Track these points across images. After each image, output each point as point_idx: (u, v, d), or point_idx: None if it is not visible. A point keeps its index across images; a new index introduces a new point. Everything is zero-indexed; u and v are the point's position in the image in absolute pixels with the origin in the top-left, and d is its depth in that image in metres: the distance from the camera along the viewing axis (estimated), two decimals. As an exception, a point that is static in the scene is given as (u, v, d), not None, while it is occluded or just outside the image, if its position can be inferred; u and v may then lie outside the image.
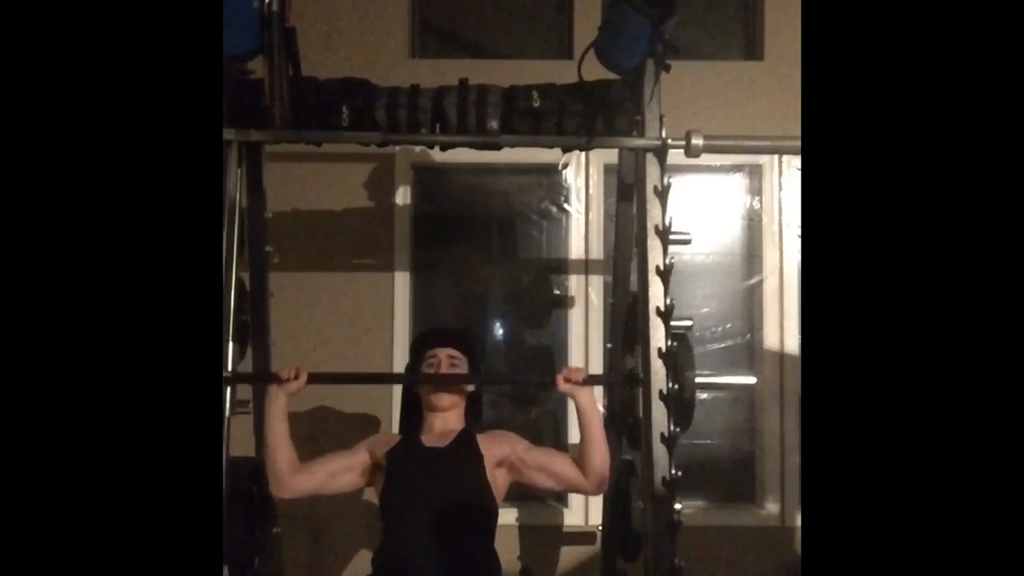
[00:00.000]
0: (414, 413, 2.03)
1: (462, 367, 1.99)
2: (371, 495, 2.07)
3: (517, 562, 2.67)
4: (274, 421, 1.86)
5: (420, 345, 2.06)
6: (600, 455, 1.86)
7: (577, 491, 1.98)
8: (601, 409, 2.61)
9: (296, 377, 1.85)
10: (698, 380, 1.84)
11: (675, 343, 1.83)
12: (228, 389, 1.84)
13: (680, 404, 1.82)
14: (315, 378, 1.89)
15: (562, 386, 1.86)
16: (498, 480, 1.92)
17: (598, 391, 2.68)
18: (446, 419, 1.97)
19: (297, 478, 1.88)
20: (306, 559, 2.74)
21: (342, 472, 1.94)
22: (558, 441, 2.82)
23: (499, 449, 1.93)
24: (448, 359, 1.97)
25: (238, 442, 1.98)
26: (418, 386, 2.02)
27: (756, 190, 2.87)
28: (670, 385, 1.80)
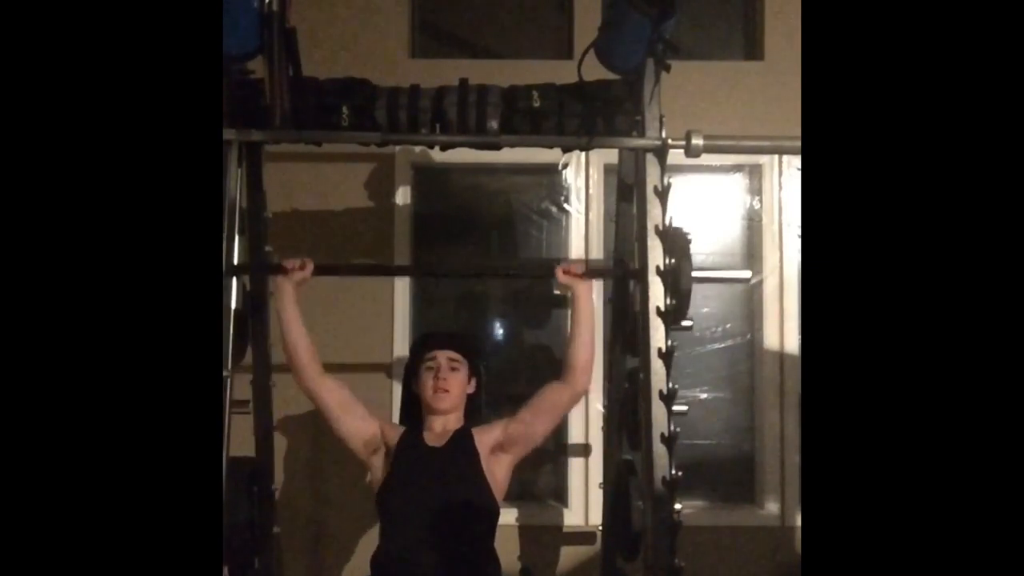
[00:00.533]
0: (414, 413, 2.03)
1: (461, 369, 1.99)
2: (372, 496, 2.06)
3: (517, 562, 2.67)
4: (286, 310, 1.89)
5: (420, 347, 2.06)
6: (587, 348, 1.89)
7: (570, 401, 1.94)
8: (601, 409, 2.62)
9: (302, 267, 1.89)
10: (694, 274, 1.88)
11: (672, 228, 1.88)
12: (232, 278, 1.90)
13: (676, 294, 1.86)
14: (321, 269, 1.93)
15: (561, 278, 1.90)
16: (497, 472, 1.91)
17: (598, 391, 2.70)
18: (446, 420, 1.97)
19: (322, 377, 1.91)
20: (306, 559, 2.74)
21: (356, 414, 1.93)
22: (558, 442, 2.82)
23: (490, 436, 1.92)
24: (448, 362, 1.97)
25: (238, 442, 1.98)
26: (418, 388, 2.02)
27: (756, 190, 2.87)
28: (668, 301, 1.84)
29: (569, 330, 1.94)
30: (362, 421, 1.94)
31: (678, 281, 1.87)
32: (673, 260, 1.87)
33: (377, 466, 1.93)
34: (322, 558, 2.75)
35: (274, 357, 2.28)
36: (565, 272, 1.90)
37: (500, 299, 2.96)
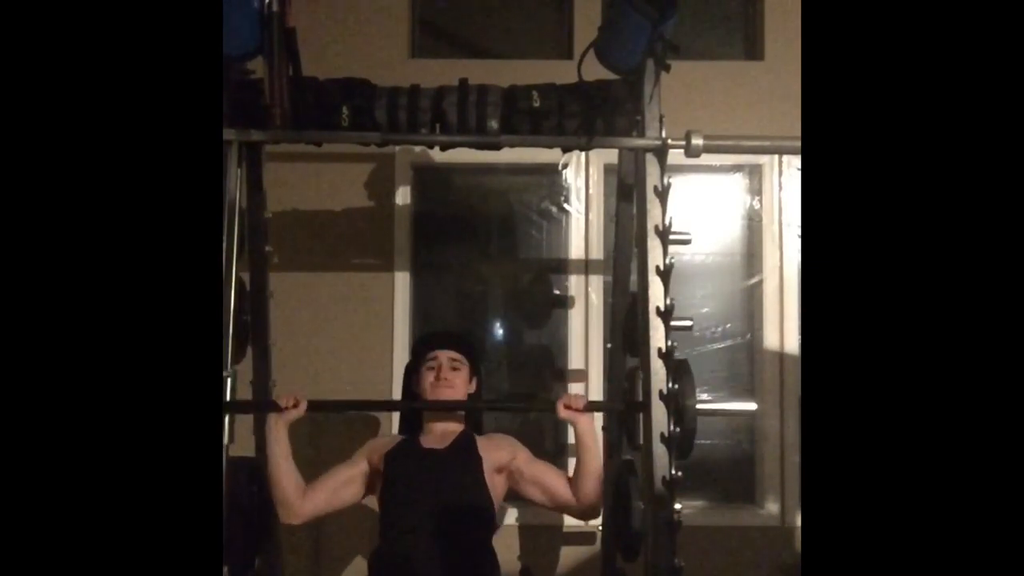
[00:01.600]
0: (414, 416, 2.04)
1: (463, 369, 2.00)
2: (371, 497, 2.07)
3: (517, 562, 2.67)
4: (276, 450, 1.87)
5: (421, 347, 2.07)
6: (593, 483, 1.89)
7: (568, 513, 1.99)
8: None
9: (295, 405, 1.86)
10: (699, 407, 1.82)
11: (675, 375, 1.79)
12: (227, 416, 1.81)
13: (682, 434, 1.80)
14: (315, 405, 1.90)
15: (562, 413, 1.87)
16: (497, 486, 1.93)
17: (598, 392, 2.70)
18: (446, 423, 1.97)
19: (304, 504, 1.90)
20: (306, 559, 2.74)
21: (345, 485, 1.95)
22: (558, 443, 2.82)
23: (499, 455, 1.94)
24: (449, 361, 1.97)
25: (238, 442, 1.98)
26: (417, 389, 2.02)
27: (756, 190, 2.87)
28: (672, 429, 1.76)
29: (575, 465, 1.93)
30: (352, 483, 1.97)
31: (683, 416, 1.81)
32: (676, 387, 1.79)
33: (379, 483, 1.94)
34: (322, 558, 2.75)
35: (274, 358, 2.28)
36: (566, 407, 1.87)
37: (500, 299, 2.96)
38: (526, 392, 2.91)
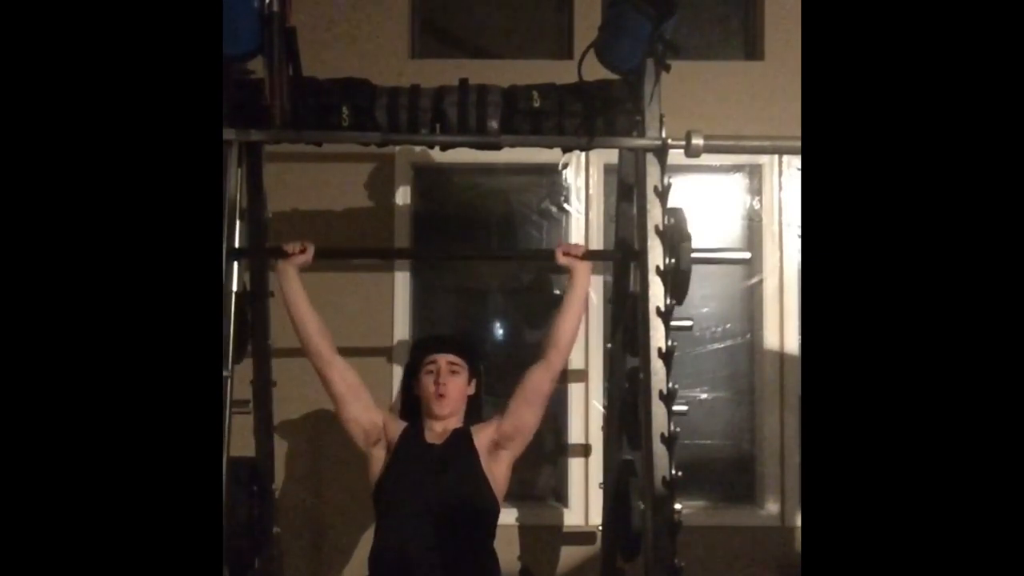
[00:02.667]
0: (414, 415, 2.03)
1: (462, 373, 1.99)
2: (370, 492, 2.06)
3: (517, 562, 2.67)
4: (292, 292, 1.92)
5: (420, 350, 2.06)
6: (571, 326, 1.94)
7: (550, 383, 1.93)
8: (601, 409, 2.62)
9: (303, 250, 1.92)
10: (693, 255, 1.89)
11: (671, 219, 1.90)
12: (232, 263, 1.91)
13: (676, 276, 1.87)
14: (323, 252, 1.96)
15: (561, 259, 1.96)
16: (496, 470, 1.91)
17: (598, 391, 2.70)
18: (445, 422, 1.97)
19: (335, 357, 1.93)
20: (306, 559, 2.74)
21: (361, 400, 1.94)
22: (558, 441, 2.82)
23: (487, 434, 1.92)
24: (448, 365, 1.96)
25: (238, 442, 1.98)
26: (418, 391, 2.01)
27: (756, 190, 2.87)
28: (667, 261, 1.87)
29: (559, 308, 1.96)
30: (366, 410, 1.95)
31: (678, 262, 1.89)
32: (672, 249, 1.89)
33: (377, 458, 1.93)
34: (322, 558, 2.75)
35: (275, 349, 2.28)
36: (564, 253, 1.96)
37: (500, 297, 2.96)
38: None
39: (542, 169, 2.83)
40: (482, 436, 1.93)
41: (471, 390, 2.02)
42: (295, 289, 1.93)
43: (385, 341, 2.76)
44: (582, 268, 1.96)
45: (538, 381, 1.93)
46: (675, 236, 1.89)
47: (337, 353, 1.95)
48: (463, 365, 2.00)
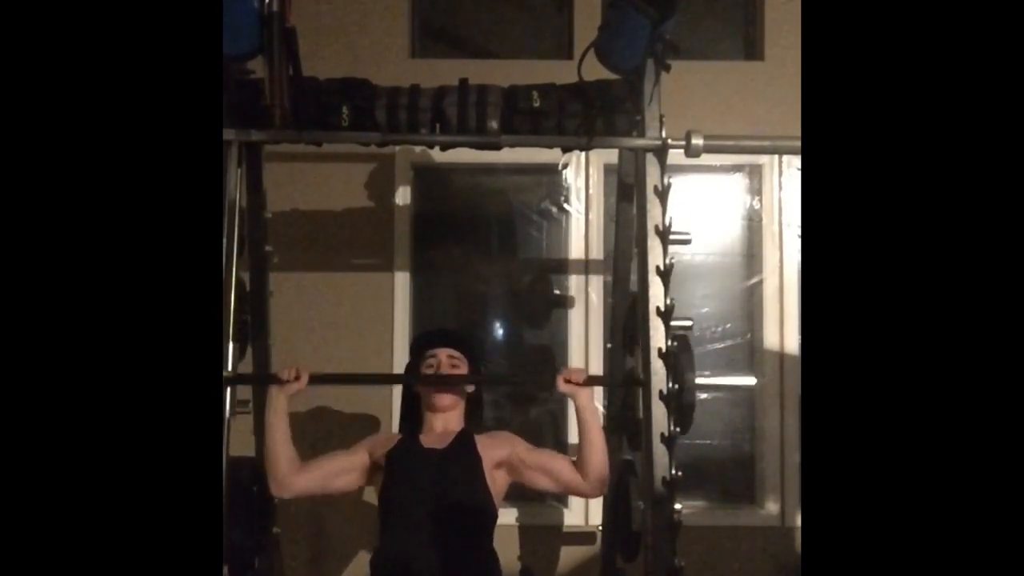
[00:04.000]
0: (414, 414, 2.03)
1: (462, 367, 1.99)
2: (371, 496, 2.07)
3: (517, 562, 2.67)
4: (274, 422, 1.87)
5: (420, 346, 2.07)
6: (599, 457, 1.86)
7: (576, 494, 1.97)
8: (601, 409, 2.62)
9: (297, 378, 1.86)
10: (698, 381, 1.84)
11: (675, 343, 1.83)
12: (228, 390, 1.84)
13: (680, 406, 1.82)
14: (316, 379, 1.90)
15: (562, 387, 1.86)
16: (497, 482, 1.92)
17: (598, 392, 2.70)
18: (446, 420, 1.97)
19: (297, 478, 1.89)
20: (306, 559, 2.74)
21: (341, 472, 1.95)
22: (558, 440, 2.82)
23: (498, 451, 1.93)
24: (448, 359, 1.97)
25: (238, 442, 1.98)
26: (418, 386, 2.02)
27: (756, 190, 2.87)
28: (670, 385, 1.80)
29: (579, 442, 1.90)
30: (349, 472, 1.96)
31: (682, 392, 1.82)
32: (676, 380, 1.81)
33: (379, 481, 1.94)
34: (322, 558, 2.75)
35: (274, 357, 2.28)
36: (566, 381, 1.86)
37: (500, 299, 2.96)
38: (526, 392, 2.91)
39: (542, 169, 2.83)
40: (489, 450, 1.93)
41: (470, 387, 2.02)
42: (280, 420, 1.87)
43: (385, 344, 2.75)
44: (585, 395, 1.87)
45: (567, 479, 1.90)
46: (680, 365, 1.83)
47: (301, 471, 1.91)
48: (463, 359, 2.00)
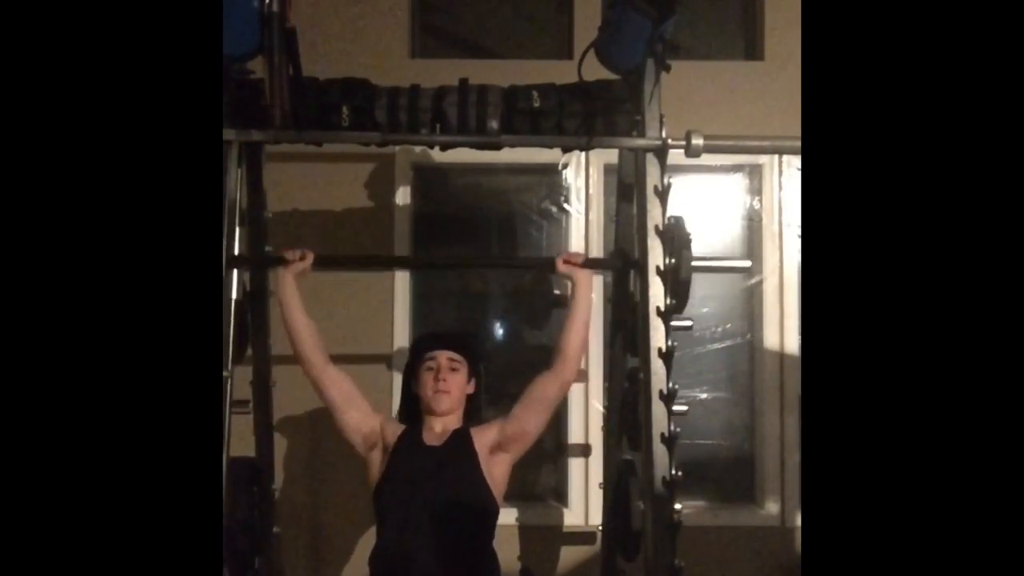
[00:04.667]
0: (413, 415, 2.03)
1: (462, 370, 1.99)
2: (370, 492, 2.06)
3: (517, 562, 2.67)
4: (289, 300, 1.93)
5: (420, 347, 2.06)
6: (580, 336, 1.93)
7: (559, 391, 1.94)
8: (601, 409, 2.62)
9: (303, 258, 1.93)
10: (694, 263, 1.90)
11: (672, 220, 1.91)
12: (231, 272, 1.90)
13: (676, 282, 1.87)
14: (321, 260, 1.97)
15: (561, 267, 1.95)
16: (495, 472, 1.90)
17: (598, 392, 2.70)
18: (445, 421, 1.97)
19: (325, 363, 1.94)
20: (306, 559, 2.74)
21: (355, 407, 1.94)
22: (558, 441, 2.82)
23: (488, 436, 1.92)
24: (448, 362, 1.97)
25: (238, 442, 1.98)
26: (417, 389, 2.02)
27: (756, 190, 2.87)
28: (667, 262, 1.86)
29: (564, 318, 1.96)
30: (363, 416, 1.95)
31: (678, 271, 1.88)
32: (673, 256, 1.89)
33: (375, 462, 1.93)
34: (322, 558, 2.75)
35: (275, 350, 2.28)
36: (565, 261, 1.95)
37: (500, 299, 2.96)
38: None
39: (542, 169, 2.83)
40: (482, 438, 1.93)
41: (470, 388, 2.02)
42: (291, 296, 1.93)
43: (385, 343, 2.76)
44: (583, 276, 1.96)
45: (544, 388, 1.92)
46: (676, 243, 1.89)
47: (330, 362, 1.95)
48: (463, 362, 1.99)
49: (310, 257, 1.94)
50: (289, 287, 1.93)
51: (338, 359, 2.64)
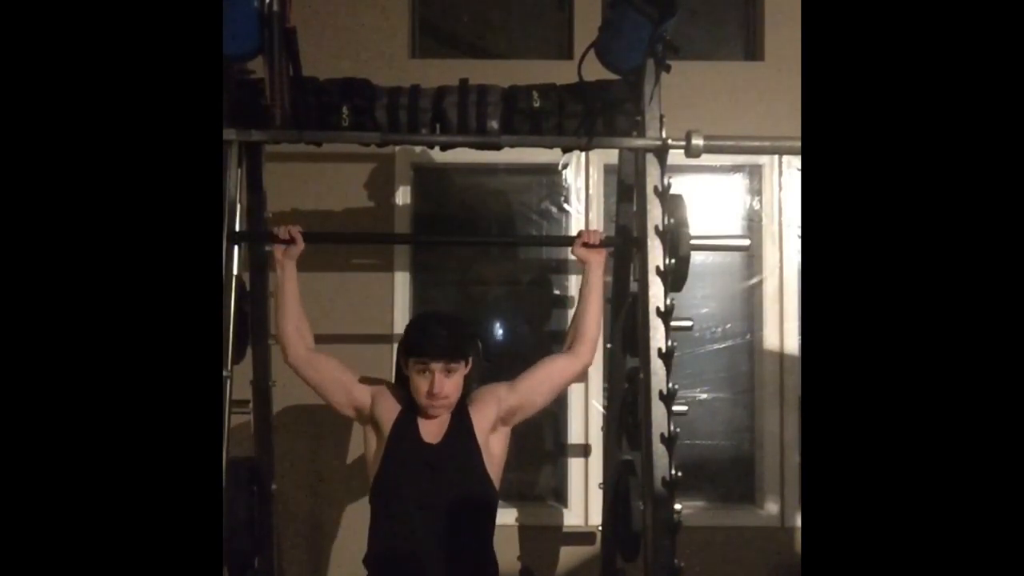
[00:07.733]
0: (407, 399, 1.95)
1: (459, 370, 1.94)
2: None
3: (517, 562, 2.67)
4: (285, 285, 1.92)
5: (412, 348, 1.96)
6: (596, 319, 1.92)
7: (574, 374, 1.93)
8: (601, 409, 2.62)
9: (292, 239, 1.90)
10: (693, 241, 1.91)
11: (670, 207, 1.92)
12: (233, 247, 1.90)
13: (676, 264, 1.89)
14: (312, 237, 1.94)
15: (578, 250, 1.94)
16: (495, 450, 1.85)
17: (597, 392, 2.70)
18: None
19: (300, 347, 1.91)
20: (306, 559, 2.74)
21: (341, 384, 1.89)
22: (558, 441, 2.82)
23: (488, 415, 1.86)
24: (443, 369, 1.88)
25: (238, 442, 1.98)
26: (407, 372, 1.95)
27: (756, 190, 2.87)
28: (667, 261, 1.87)
29: (578, 303, 1.95)
30: (350, 395, 1.90)
31: (677, 246, 1.89)
32: (672, 221, 1.90)
33: (370, 438, 1.88)
34: (322, 558, 2.75)
35: (274, 357, 2.28)
36: (584, 243, 1.93)
37: (500, 299, 2.96)
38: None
39: (542, 169, 2.83)
40: (482, 420, 1.86)
41: (465, 370, 1.95)
42: (288, 279, 1.92)
43: (385, 344, 2.75)
44: (598, 259, 1.94)
45: (560, 368, 1.90)
46: (674, 222, 1.90)
47: (312, 350, 1.92)
48: (461, 367, 1.94)
49: (299, 236, 1.90)
50: (288, 272, 1.92)
51: (339, 354, 2.65)
